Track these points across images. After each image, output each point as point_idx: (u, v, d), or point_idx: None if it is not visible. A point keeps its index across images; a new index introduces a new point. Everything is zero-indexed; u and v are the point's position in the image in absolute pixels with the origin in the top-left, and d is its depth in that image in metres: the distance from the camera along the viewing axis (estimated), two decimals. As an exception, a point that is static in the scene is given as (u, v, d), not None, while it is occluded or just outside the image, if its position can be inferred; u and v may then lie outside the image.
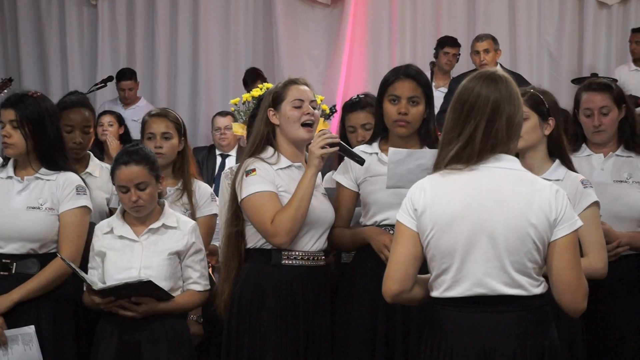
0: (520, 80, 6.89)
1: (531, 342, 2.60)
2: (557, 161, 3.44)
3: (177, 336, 3.47)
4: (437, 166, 2.70)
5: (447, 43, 8.07)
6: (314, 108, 3.44)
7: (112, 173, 3.49)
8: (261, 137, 3.44)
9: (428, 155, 3.30)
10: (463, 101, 2.66)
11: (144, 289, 3.35)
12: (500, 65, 7.61)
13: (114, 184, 3.52)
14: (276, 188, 3.34)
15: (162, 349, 3.40)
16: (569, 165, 3.45)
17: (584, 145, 3.84)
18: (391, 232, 3.39)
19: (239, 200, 3.37)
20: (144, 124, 3.97)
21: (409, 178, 3.25)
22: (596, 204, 3.34)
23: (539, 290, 2.63)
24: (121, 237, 3.49)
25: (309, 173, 3.33)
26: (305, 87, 3.46)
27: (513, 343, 2.59)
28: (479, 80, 2.68)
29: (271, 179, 3.34)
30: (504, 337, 2.59)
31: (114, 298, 3.37)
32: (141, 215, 3.49)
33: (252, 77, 8.07)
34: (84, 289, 3.50)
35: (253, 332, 3.32)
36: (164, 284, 3.40)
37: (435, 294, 2.68)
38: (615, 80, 4.45)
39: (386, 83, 3.52)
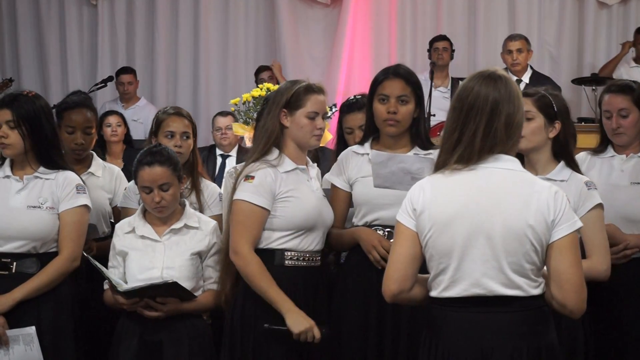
0: (549, 82, 6.93)
1: (529, 342, 2.60)
2: (562, 162, 3.42)
3: (198, 336, 3.49)
4: (438, 166, 2.71)
5: (434, 39, 8.12)
6: (323, 119, 3.46)
7: (135, 173, 3.49)
8: (275, 137, 3.41)
9: (410, 159, 3.35)
10: (462, 101, 2.67)
11: (169, 290, 3.37)
12: (530, 67, 7.60)
13: (136, 184, 3.52)
14: (271, 200, 3.32)
15: (183, 349, 3.42)
16: (575, 168, 3.43)
17: (609, 146, 3.81)
18: (381, 232, 3.42)
19: (233, 198, 3.37)
20: (160, 122, 3.93)
21: (394, 180, 3.29)
22: (600, 206, 3.33)
23: (537, 291, 2.63)
24: (143, 237, 3.50)
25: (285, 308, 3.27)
26: (323, 98, 3.45)
27: (510, 343, 2.59)
28: (479, 79, 2.68)
29: (268, 190, 3.32)
30: (502, 337, 2.59)
31: (138, 299, 3.39)
32: (164, 215, 3.50)
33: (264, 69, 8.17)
34: (105, 287, 3.51)
35: (257, 332, 3.31)
36: (186, 284, 3.42)
37: (433, 293, 2.69)
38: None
39: (375, 83, 3.54)
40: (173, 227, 3.51)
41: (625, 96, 3.70)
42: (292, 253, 3.37)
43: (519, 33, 7.82)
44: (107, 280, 3.46)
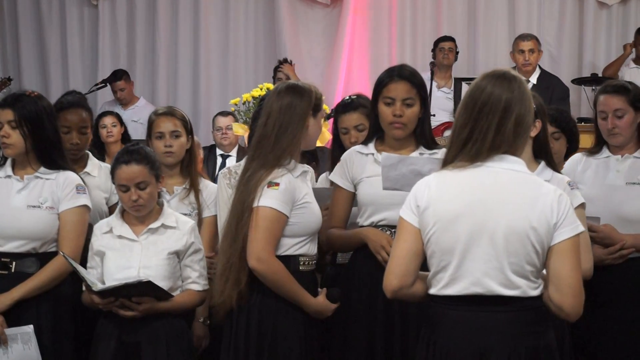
0: (557, 83, 6.93)
1: (527, 342, 2.60)
2: (543, 163, 3.44)
3: (177, 336, 3.47)
4: (445, 163, 2.71)
5: (440, 39, 8.12)
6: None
7: (113, 172, 3.49)
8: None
9: (420, 161, 3.33)
10: (475, 99, 2.67)
11: (143, 289, 3.36)
12: (540, 67, 7.59)
13: (114, 183, 3.52)
14: (291, 208, 3.27)
15: (161, 349, 3.40)
16: (555, 167, 3.45)
17: (604, 147, 3.80)
18: (388, 232, 3.41)
19: (255, 204, 3.27)
20: (151, 123, 3.94)
21: (404, 182, 3.27)
22: (582, 205, 3.35)
23: (536, 292, 2.63)
24: (120, 236, 3.48)
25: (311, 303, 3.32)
26: None
27: (508, 343, 2.59)
28: (492, 79, 2.68)
29: (291, 198, 3.28)
30: (500, 337, 2.59)
31: (113, 299, 3.38)
32: (141, 214, 3.49)
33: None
34: (83, 288, 3.50)
35: (279, 339, 3.26)
36: (163, 284, 3.40)
37: (432, 291, 2.69)
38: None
39: (380, 85, 3.49)
40: (150, 226, 3.49)
41: (621, 97, 3.70)
42: (305, 258, 3.34)
43: (530, 33, 7.78)
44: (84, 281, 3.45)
